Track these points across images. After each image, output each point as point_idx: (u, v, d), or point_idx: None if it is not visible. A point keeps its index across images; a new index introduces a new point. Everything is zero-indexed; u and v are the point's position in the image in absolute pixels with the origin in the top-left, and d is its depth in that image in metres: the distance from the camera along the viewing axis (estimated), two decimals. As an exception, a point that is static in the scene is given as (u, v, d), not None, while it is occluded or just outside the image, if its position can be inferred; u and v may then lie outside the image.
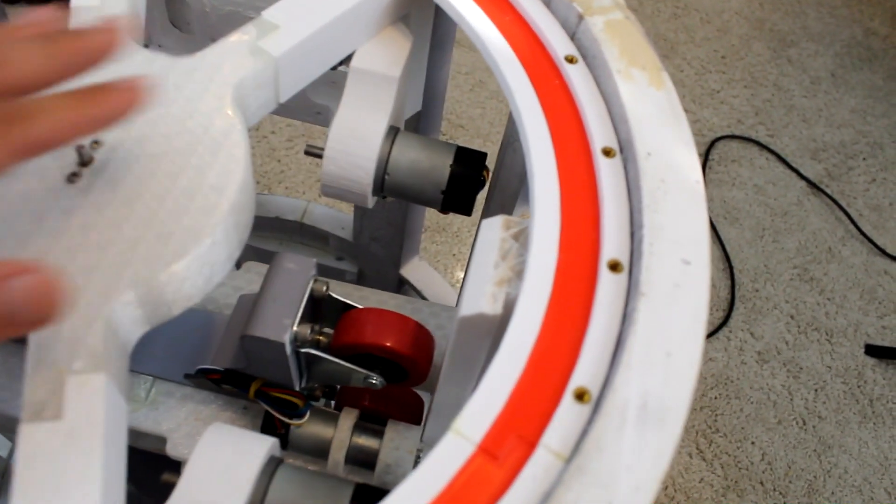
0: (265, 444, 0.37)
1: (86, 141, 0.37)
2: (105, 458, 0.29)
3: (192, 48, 0.49)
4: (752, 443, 1.12)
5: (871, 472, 1.11)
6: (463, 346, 0.37)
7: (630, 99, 0.38)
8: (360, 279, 0.90)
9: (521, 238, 0.36)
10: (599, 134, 0.38)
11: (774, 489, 1.08)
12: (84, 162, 0.36)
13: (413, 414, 0.51)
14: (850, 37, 1.72)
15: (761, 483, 1.08)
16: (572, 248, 0.34)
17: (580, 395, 0.30)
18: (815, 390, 1.19)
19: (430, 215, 1.25)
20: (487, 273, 0.35)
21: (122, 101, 0.31)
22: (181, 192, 0.36)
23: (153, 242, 0.34)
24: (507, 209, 0.59)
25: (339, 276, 0.89)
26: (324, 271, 0.89)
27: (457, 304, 0.83)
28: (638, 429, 0.28)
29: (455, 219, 1.27)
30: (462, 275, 1.22)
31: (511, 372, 0.30)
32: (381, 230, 0.81)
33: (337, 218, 0.86)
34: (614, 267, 0.33)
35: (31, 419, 0.30)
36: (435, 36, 0.55)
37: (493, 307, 0.33)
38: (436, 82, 0.60)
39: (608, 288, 0.33)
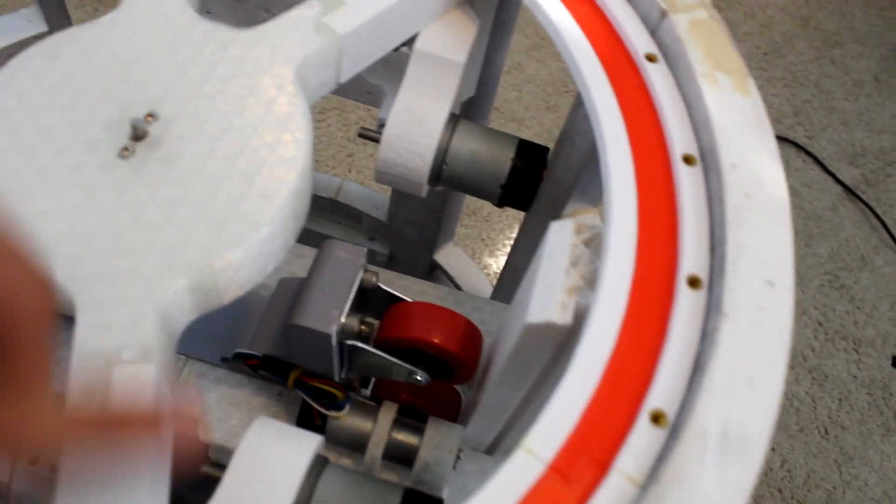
0: (312, 443, 0.35)
1: (140, 114, 0.35)
2: (152, 455, 0.28)
3: (243, 18, 0.47)
4: (773, 449, 1.10)
5: (892, 487, 1.09)
6: (523, 353, 0.35)
7: (715, 105, 0.36)
8: (391, 261, 0.89)
9: (593, 244, 0.34)
10: (680, 139, 0.36)
11: (792, 497, 1.06)
12: (138, 136, 0.35)
13: (450, 410, 0.50)
14: None
15: (779, 490, 1.07)
16: (649, 258, 0.32)
17: (656, 418, 0.28)
18: (840, 400, 1.17)
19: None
20: (557, 280, 0.33)
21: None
22: (240, 175, 0.34)
23: (209, 227, 0.33)
24: (558, 204, 0.57)
25: (370, 256, 0.88)
26: (354, 251, 0.88)
27: (495, 296, 0.81)
28: (718, 459, 0.27)
29: (486, 203, 1.25)
30: (491, 261, 1.20)
31: (584, 389, 0.29)
32: (418, 213, 0.79)
33: (372, 198, 0.85)
34: (693, 283, 0.32)
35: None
36: (497, 19, 0.53)
37: (562, 317, 0.32)
38: (492, 67, 0.58)
39: (686, 304, 0.31)
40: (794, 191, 1.40)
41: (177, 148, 0.35)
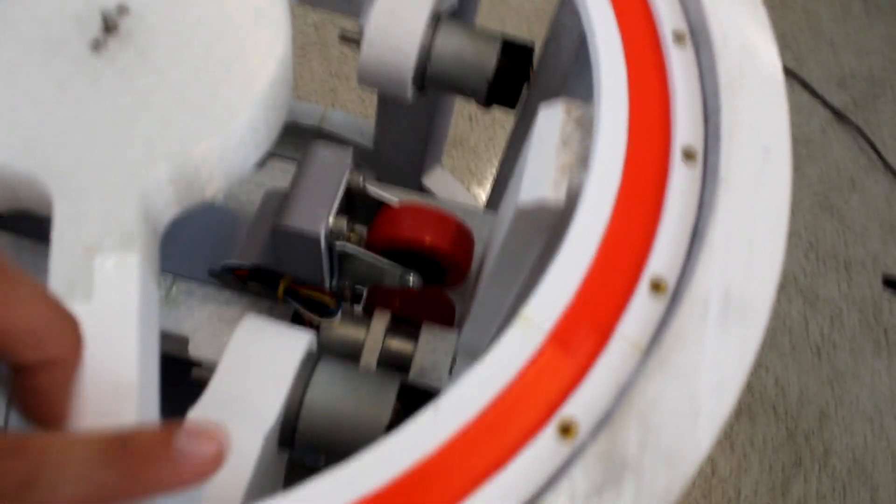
0: (304, 338, 0.35)
1: (111, 4, 0.34)
2: (141, 346, 0.27)
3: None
4: (766, 369, 1.11)
5: (882, 401, 1.11)
6: (515, 241, 0.34)
7: (704, -23, 0.35)
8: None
9: (584, 124, 0.33)
10: (669, 17, 0.35)
11: (786, 414, 1.07)
12: (108, 27, 0.33)
13: (445, 318, 0.49)
14: (882, -39, 1.66)
15: (773, 408, 1.08)
16: (642, 132, 0.31)
17: (656, 286, 0.27)
18: (831, 318, 1.17)
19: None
20: (549, 159, 0.32)
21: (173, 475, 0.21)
22: (217, 62, 0.33)
23: (187, 115, 0.31)
24: (546, 110, 0.56)
25: (357, 185, 0.87)
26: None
27: (487, 204, 0.80)
28: (720, 322, 0.26)
29: (472, 133, 1.23)
30: (479, 191, 1.19)
31: (581, 259, 0.28)
32: (404, 136, 0.78)
33: (357, 124, 0.83)
34: (689, 154, 0.31)
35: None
36: (477, -80, 0.51)
37: (555, 194, 0.31)
38: (473, -27, 0.56)
39: (682, 174, 0.30)
40: (782, 114, 1.39)
41: (150, 39, 0.33)
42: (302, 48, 1.26)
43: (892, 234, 1.27)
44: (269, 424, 0.32)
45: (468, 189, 1.18)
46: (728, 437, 1.04)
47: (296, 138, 0.86)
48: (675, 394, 0.24)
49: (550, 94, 0.53)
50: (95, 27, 0.33)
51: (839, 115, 1.41)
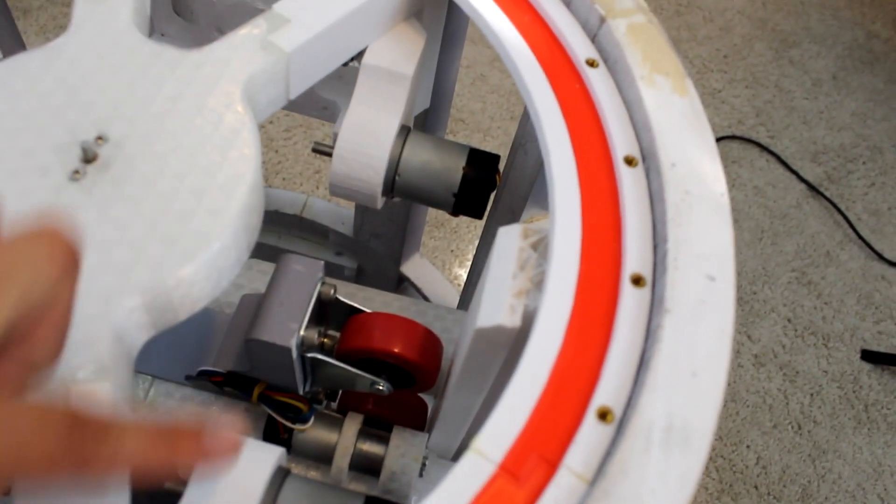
0: (273, 455, 0.36)
1: (91, 135, 0.36)
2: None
3: (197, 38, 0.48)
4: (748, 446, 1.12)
5: (865, 478, 1.11)
6: (477, 357, 0.36)
7: (653, 106, 0.37)
8: (360, 275, 0.89)
9: (540, 248, 0.35)
10: (621, 142, 0.37)
11: (769, 493, 1.08)
12: (88, 159, 0.35)
13: (417, 419, 0.50)
14: (852, 39, 1.71)
15: (755, 487, 1.08)
16: (594, 259, 0.33)
17: (603, 415, 0.29)
18: (811, 395, 1.18)
19: (430, 211, 1.24)
20: (505, 284, 0.33)
21: (209, 453, 0.25)
22: (189, 192, 0.34)
23: (160, 245, 0.33)
24: (516, 211, 0.58)
25: (339, 271, 0.88)
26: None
27: (462, 305, 0.82)
28: (663, 451, 0.28)
29: (453, 214, 1.26)
30: (461, 271, 1.21)
31: (532, 389, 0.29)
32: (383, 227, 0.79)
33: (337, 213, 0.85)
34: (637, 281, 0.32)
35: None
36: (446, 32, 0.54)
37: (511, 319, 0.32)
38: (445, 79, 0.59)
39: (631, 302, 0.32)
40: (758, 190, 1.42)
41: (127, 168, 0.35)
42: (287, 130, 1.29)
43: (869, 308, 1.29)
44: (235, 544, 0.33)
45: (450, 270, 1.20)
46: (710, 518, 1.04)
47: (278, 227, 0.88)
48: (618, 528, 0.25)
49: (519, 196, 0.55)
50: (76, 157, 0.35)
51: (814, 189, 1.44)
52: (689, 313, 0.31)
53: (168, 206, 0.34)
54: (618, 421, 0.29)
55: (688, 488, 0.27)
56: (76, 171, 0.34)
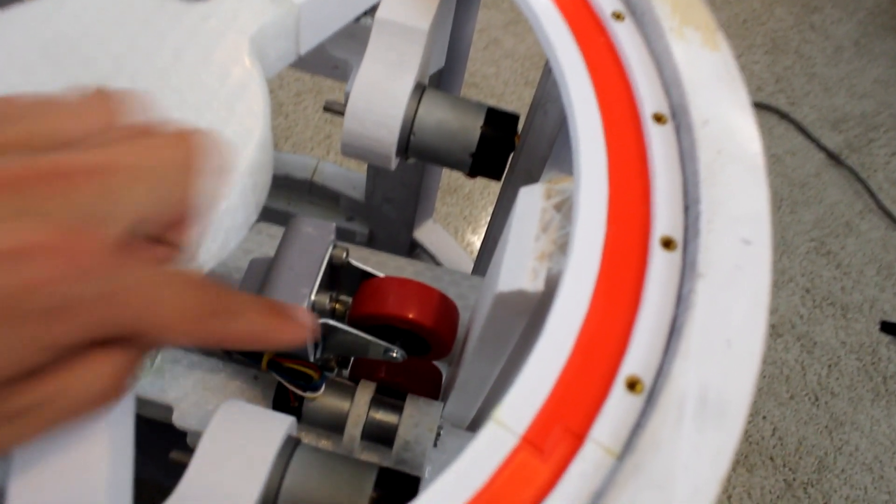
0: (283, 424, 0.34)
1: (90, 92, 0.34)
2: (112, 438, 0.27)
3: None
4: (764, 417, 1.10)
5: (882, 451, 1.10)
6: (497, 324, 0.34)
7: (684, 60, 0.35)
8: (371, 241, 0.88)
9: (564, 209, 0.33)
10: (650, 98, 0.35)
11: (784, 465, 1.06)
12: (89, 114, 0.33)
13: (431, 387, 0.49)
14: (875, 4, 1.67)
15: (771, 458, 1.07)
16: (621, 221, 0.31)
17: (632, 385, 0.27)
18: (829, 366, 1.17)
19: (442, 176, 1.22)
20: (527, 246, 0.32)
21: (296, 332, 0.28)
22: (195, 149, 0.33)
23: (164, 204, 0.31)
24: (534, 174, 0.56)
25: (350, 237, 0.87)
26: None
27: (475, 271, 0.80)
28: (697, 424, 0.26)
29: (467, 181, 1.24)
30: (474, 238, 1.19)
31: (556, 357, 0.28)
32: (395, 191, 0.78)
33: (348, 177, 0.83)
34: (667, 244, 0.31)
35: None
36: (463, -13, 0.52)
37: (533, 284, 0.31)
38: (461, 37, 0.57)
39: (661, 266, 0.30)
40: (777, 158, 1.39)
41: (129, 125, 0.33)
42: (298, 95, 1.27)
43: (889, 279, 1.27)
44: (244, 514, 0.32)
45: (462, 237, 1.18)
46: (725, 489, 1.03)
47: (288, 192, 0.86)
48: (649, 504, 0.24)
49: (538, 158, 0.54)
50: (74, 113, 0.33)
51: (834, 158, 1.41)
52: (723, 278, 0.29)
53: (172, 164, 0.32)
54: (648, 391, 0.27)
55: (722, 465, 0.25)
56: (76, 127, 0.33)
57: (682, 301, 0.29)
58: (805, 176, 1.38)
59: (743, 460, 1.06)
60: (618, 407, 0.27)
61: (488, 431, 0.26)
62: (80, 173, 0.22)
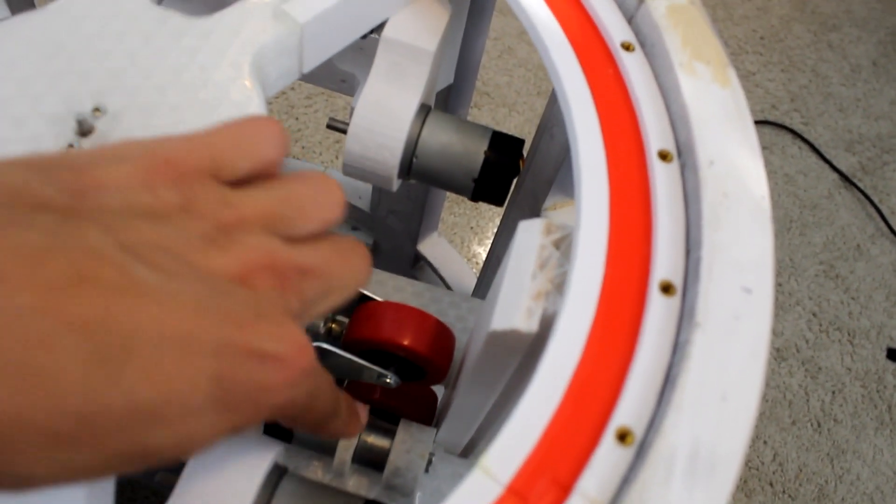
0: (270, 452, 0.34)
1: (87, 106, 0.33)
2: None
3: (202, 5, 0.45)
4: (765, 442, 1.09)
5: (884, 481, 1.08)
6: (490, 360, 0.34)
7: (692, 96, 0.34)
8: (375, 252, 0.87)
9: (563, 246, 0.32)
10: (656, 134, 0.34)
11: (784, 491, 1.05)
12: (84, 132, 0.33)
13: (426, 411, 0.48)
14: (895, 24, 1.65)
15: (770, 484, 1.06)
16: (621, 262, 0.30)
17: (623, 436, 0.26)
18: (833, 392, 1.15)
19: (450, 186, 1.22)
20: (524, 284, 0.31)
21: (359, 430, 0.36)
22: (190, 170, 0.32)
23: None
24: (539, 197, 0.55)
25: (354, 246, 0.86)
26: (337, 241, 0.86)
27: (478, 289, 0.79)
28: (686, 481, 0.25)
29: (474, 191, 1.23)
30: (480, 249, 1.18)
31: (546, 404, 0.27)
32: (401, 204, 0.77)
33: (354, 186, 0.83)
34: (666, 289, 0.30)
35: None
36: (473, 3, 0.51)
37: (528, 324, 0.30)
38: (470, 54, 0.56)
39: (659, 313, 0.29)
40: (789, 178, 1.38)
41: (123, 143, 0.33)
42: (308, 98, 1.26)
43: (898, 305, 1.26)
44: (225, 547, 0.31)
45: (469, 248, 1.17)
46: (723, 514, 1.02)
47: (293, 199, 0.85)
48: (633, 567, 0.23)
49: (543, 181, 0.53)
50: (69, 130, 0.33)
51: (847, 180, 1.40)
52: (721, 329, 0.28)
53: (165, 186, 0.32)
54: (638, 444, 0.26)
55: (712, 524, 0.25)
56: (70, 146, 0.32)
57: (678, 350, 0.28)
58: (817, 197, 1.37)
59: (742, 485, 1.05)
60: (607, 459, 0.26)
61: (473, 479, 0.25)
62: (311, 273, 0.25)
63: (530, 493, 0.25)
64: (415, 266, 0.87)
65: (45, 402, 0.18)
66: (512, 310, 0.30)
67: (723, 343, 0.28)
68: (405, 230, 0.81)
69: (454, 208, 1.20)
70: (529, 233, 0.33)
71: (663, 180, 0.33)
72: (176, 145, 0.24)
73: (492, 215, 1.21)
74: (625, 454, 0.26)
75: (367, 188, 0.82)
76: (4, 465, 0.18)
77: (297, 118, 1.24)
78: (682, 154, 0.34)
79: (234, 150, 0.25)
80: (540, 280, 0.31)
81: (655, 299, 0.29)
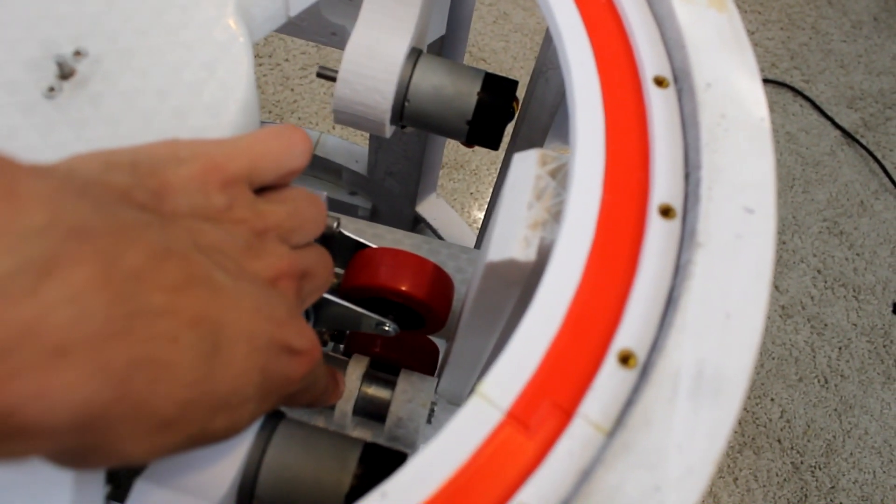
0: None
1: (67, 50, 0.32)
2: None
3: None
4: (772, 399, 1.09)
5: (892, 434, 1.08)
6: (488, 295, 0.33)
7: (687, 21, 0.33)
8: (374, 215, 0.86)
9: (559, 176, 0.32)
10: (651, 60, 0.33)
11: (792, 447, 1.05)
12: (64, 75, 0.32)
13: (427, 362, 0.47)
14: (895, -21, 1.63)
15: (779, 441, 1.05)
16: (618, 188, 0.30)
17: (625, 359, 0.26)
18: (839, 348, 1.15)
19: (448, 151, 1.21)
20: (520, 214, 0.30)
21: (338, 397, 0.39)
22: (171, 111, 0.31)
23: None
24: (535, 144, 0.54)
25: (352, 211, 0.85)
26: (336, 206, 0.85)
27: (478, 246, 0.79)
28: (691, 401, 0.25)
29: (474, 156, 1.22)
30: (480, 215, 1.17)
31: (546, 329, 0.26)
32: (398, 164, 0.76)
33: (351, 150, 0.82)
34: (666, 212, 0.29)
35: None
36: (463, -50, 0.50)
37: (525, 253, 0.29)
38: (462, 4, 0.55)
39: (659, 235, 0.28)
40: (791, 136, 1.37)
41: (105, 85, 0.32)
42: (303, 68, 1.25)
43: (904, 260, 1.25)
44: (223, 490, 0.30)
45: (469, 213, 1.16)
46: (731, 471, 1.02)
47: (289, 164, 0.84)
48: (637, 484, 0.23)
49: (539, 128, 0.52)
50: (51, 73, 0.32)
51: (849, 137, 1.39)
52: (723, 248, 0.27)
53: (148, 126, 0.31)
54: (641, 366, 0.26)
55: (718, 444, 0.24)
56: (51, 88, 0.31)
57: (679, 271, 0.27)
58: (819, 154, 1.35)
59: (750, 442, 1.04)
60: (609, 382, 0.25)
61: (472, 406, 0.25)
62: (308, 275, 0.28)
63: (531, 418, 0.25)
64: (415, 228, 0.87)
65: (164, 390, 0.20)
66: (509, 240, 0.30)
67: (725, 262, 0.27)
68: (403, 192, 0.80)
69: (453, 174, 1.19)
70: (525, 163, 0.32)
71: (660, 105, 0.32)
72: (222, 150, 0.26)
73: (491, 180, 1.20)
74: (628, 377, 0.25)
75: (363, 152, 0.82)
76: (116, 445, 0.20)
77: (292, 89, 1.23)
78: (679, 79, 0.33)
79: (268, 160, 0.27)
80: (537, 210, 0.30)
81: (655, 223, 0.29)
